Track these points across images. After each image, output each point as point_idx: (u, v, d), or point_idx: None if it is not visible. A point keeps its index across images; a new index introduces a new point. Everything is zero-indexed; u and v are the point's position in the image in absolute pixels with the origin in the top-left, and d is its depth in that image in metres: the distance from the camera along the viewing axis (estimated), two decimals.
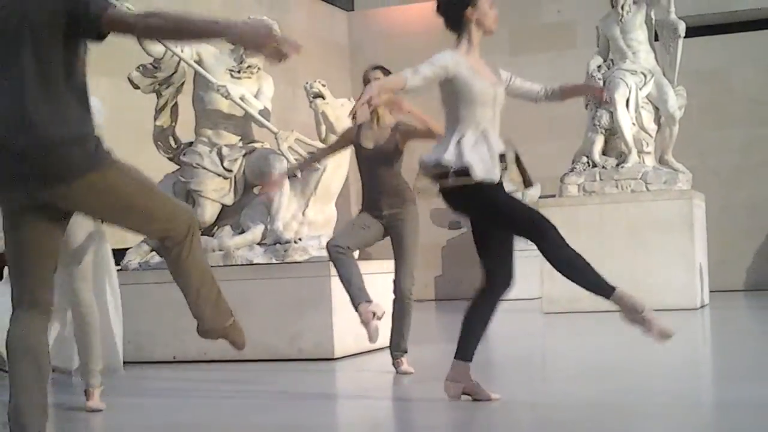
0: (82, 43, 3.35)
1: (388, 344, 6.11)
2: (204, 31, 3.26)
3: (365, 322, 5.65)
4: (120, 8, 3.39)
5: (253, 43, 3.20)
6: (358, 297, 5.74)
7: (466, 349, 4.71)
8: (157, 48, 7.61)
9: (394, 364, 6.04)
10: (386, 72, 5.88)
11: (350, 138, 6.03)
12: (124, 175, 3.33)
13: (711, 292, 11.95)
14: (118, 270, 7.72)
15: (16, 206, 3.32)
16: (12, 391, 3.28)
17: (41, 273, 3.36)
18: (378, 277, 7.63)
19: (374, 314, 5.68)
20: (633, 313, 4.36)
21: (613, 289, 4.39)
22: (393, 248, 6.08)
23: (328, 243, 5.92)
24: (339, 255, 5.81)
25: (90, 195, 3.29)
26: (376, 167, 5.90)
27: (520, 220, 4.43)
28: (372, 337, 5.68)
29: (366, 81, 5.80)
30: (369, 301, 5.71)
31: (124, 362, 7.28)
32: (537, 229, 4.36)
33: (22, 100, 3.22)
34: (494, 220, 4.49)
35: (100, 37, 3.29)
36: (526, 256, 7.25)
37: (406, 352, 6.10)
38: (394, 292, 6.06)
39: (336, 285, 6.93)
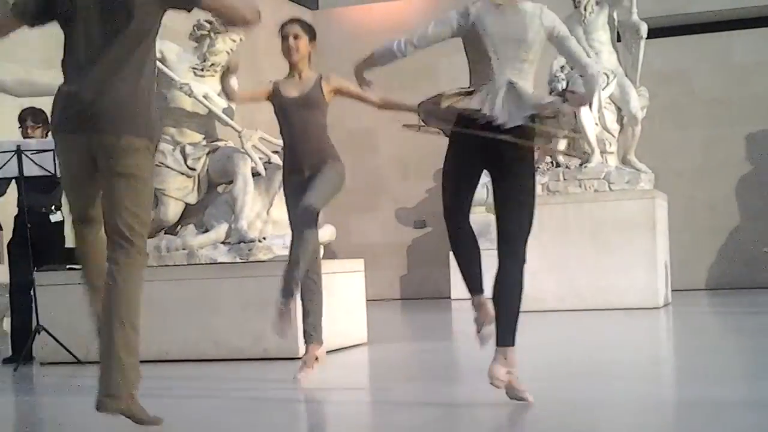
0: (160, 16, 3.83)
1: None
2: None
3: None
4: None
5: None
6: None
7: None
8: None
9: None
10: (305, 26, 5.71)
11: (267, 91, 5.71)
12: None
13: (673, 291, 12.05)
14: (80, 268, 7.68)
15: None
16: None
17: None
18: (339, 276, 7.63)
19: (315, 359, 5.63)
20: (480, 322, 4.53)
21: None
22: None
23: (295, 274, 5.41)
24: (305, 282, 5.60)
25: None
26: (300, 118, 5.56)
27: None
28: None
29: (284, 36, 5.65)
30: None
31: (86, 361, 7.24)
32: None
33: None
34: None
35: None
36: (491, 255, 7.25)
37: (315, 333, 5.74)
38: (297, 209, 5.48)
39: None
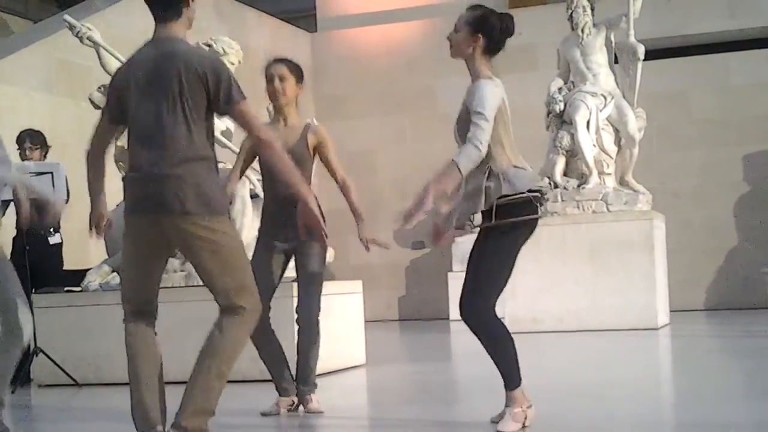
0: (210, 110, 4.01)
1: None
2: (288, 184, 4.14)
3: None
4: (248, 107, 4.01)
5: (308, 219, 4.19)
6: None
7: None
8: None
9: (301, 402, 5.36)
10: (291, 66, 5.26)
11: (248, 148, 5.26)
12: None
13: (671, 311, 12.05)
14: (78, 291, 7.69)
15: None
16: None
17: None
18: (337, 298, 7.63)
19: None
20: None
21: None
22: (298, 271, 5.31)
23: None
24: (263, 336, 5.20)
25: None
26: None
27: None
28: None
29: (269, 78, 5.20)
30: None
31: (85, 384, 7.23)
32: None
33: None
34: None
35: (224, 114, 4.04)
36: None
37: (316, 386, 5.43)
38: (299, 320, 5.32)
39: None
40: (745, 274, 14.88)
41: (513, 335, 4.53)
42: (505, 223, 4.37)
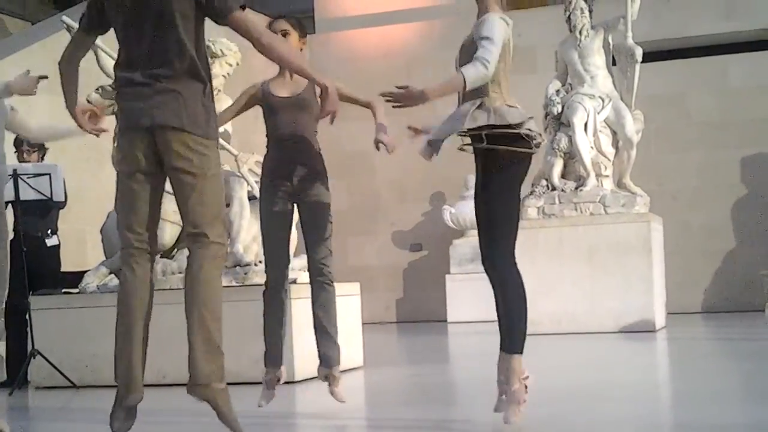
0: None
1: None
2: (303, 74, 4.26)
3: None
4: (245, 15, 4.00)
5: (328, 99, 4.25)
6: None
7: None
8: None
9: (327, 376, 5.38)
10: (293, 22, 5.30)
11: (251, 94, 5.28)
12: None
13: (669, 314, 12.05)
14: (76, 293, 7.68)
15: None
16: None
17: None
18: (339, 300, 7.61)
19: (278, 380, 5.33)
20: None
21: None
22: (303, 223, 5.22)
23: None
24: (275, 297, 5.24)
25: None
26: (291, 119, 5.08)
27: None
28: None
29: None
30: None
31: (82, 386, 7.22)
32: None
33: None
34: None
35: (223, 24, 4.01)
36: (485, 278, 7.25)
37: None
38: (311, 273, 5.24)
39: (296, 308, 6.91)
40: (743, 277, 14.88)
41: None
42: (501, 150, 4.40)
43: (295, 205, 5.20)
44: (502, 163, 4.44)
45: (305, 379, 7.03)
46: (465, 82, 4.34)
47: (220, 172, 4.21)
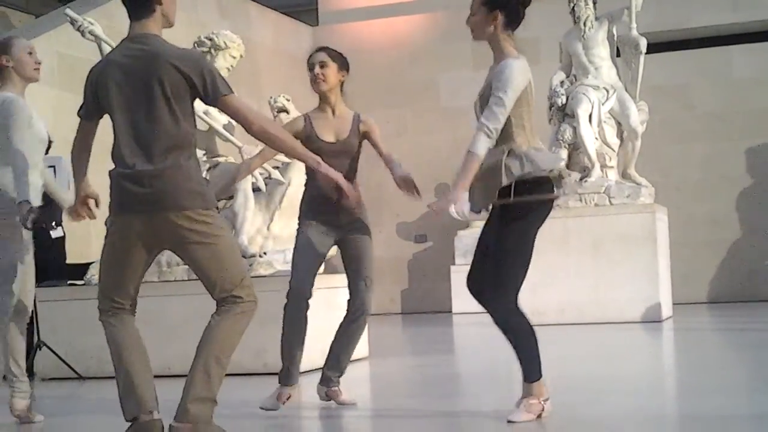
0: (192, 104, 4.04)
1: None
2: (292, 153, 4.26)
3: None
4: (236, 99, 4.02)
5: (325, 184, 4.31)
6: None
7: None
8: None
9: (327, 393, 5.32)
10: (333, 53, 5.14)
11: (301, 131, 5.10)
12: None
13: (674, 305, 12.05)
14: (81, 284, 7.70)
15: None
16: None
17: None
18: (341, 291, 7.62)
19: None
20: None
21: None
22: (347, 258, 5.21)
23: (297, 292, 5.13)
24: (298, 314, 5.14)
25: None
26: (338, 166, 4.81)
27: None
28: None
29: (310, 66, 5.10)
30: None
31: (87, 377, 7.24)
32: None
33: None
34: None
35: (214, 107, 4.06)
36: None
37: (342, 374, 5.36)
38: (352, 306, 5.23)
39: None
40: (747, 267, 14.88)
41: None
42: (524, 201, 4.31)
43: (336, 242, 5.17)
44: (522, 210, 4.36)
45: (308, 371, 7.04)
46: (478, 157, 4.27)
47: (231, 235, 4.20)
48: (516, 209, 4.35)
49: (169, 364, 7.06)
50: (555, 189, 4.45)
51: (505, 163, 4.30)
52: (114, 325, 4.16)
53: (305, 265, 5.06)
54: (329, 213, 5.05)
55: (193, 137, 4.03)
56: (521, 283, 4.46)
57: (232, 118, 4.09)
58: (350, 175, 5.07)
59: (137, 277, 4.13)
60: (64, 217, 8.01)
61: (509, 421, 4.33)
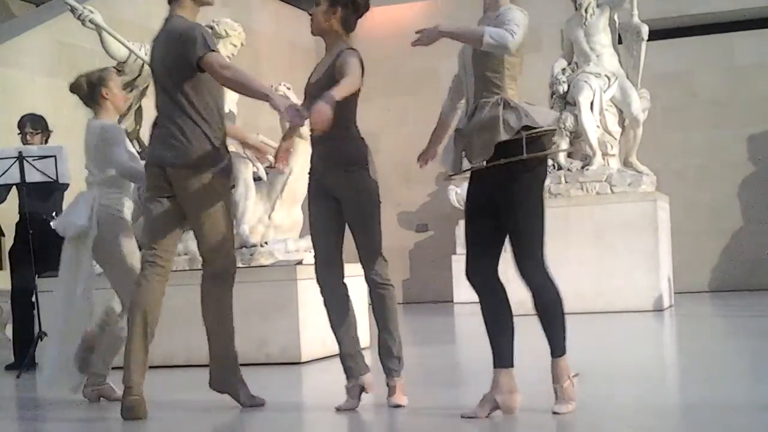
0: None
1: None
2: (256, 94, 4.63)
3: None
4: (213, 58, 4.65)
5: (287, 116, 4.47)
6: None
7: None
8: (120, 52, 7.57)
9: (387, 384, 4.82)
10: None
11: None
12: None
13: (676, 293, 12.04)
14: None
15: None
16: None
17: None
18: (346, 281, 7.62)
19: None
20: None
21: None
22: (350, 227, 4.92)
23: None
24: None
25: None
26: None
27: None
28: None
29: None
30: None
31: None
32: None
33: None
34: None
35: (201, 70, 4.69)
36: None
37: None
38: (367, 281, 4.95)
39: (303, 288, 6.90)
40: (750, 255, 14.86)
41: (516, 318, 4.52)
42: (537, 157, 4.22)
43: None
44: (529, 168, 4.25)
45: (311, 360, 7.04)
46: (483, 38, 4.14)
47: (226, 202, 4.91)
48: (523, 168, 4.24)
49: (171, 354, 7.05)
50: (547, 146, 4.33)
51: (503, 117, 4.21)
52: (138, 284, 4.97)
53: (320, 246, 4.87)
54: (317, 173, 4.77)
55: (201, 116, 4.83)
56: (544, 245, 4.36)
57: (212, 74, 4.70)
58: (340, 120, 4.47)
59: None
60: (64, 208, 8.00)
61: (555, 413, 4.26)
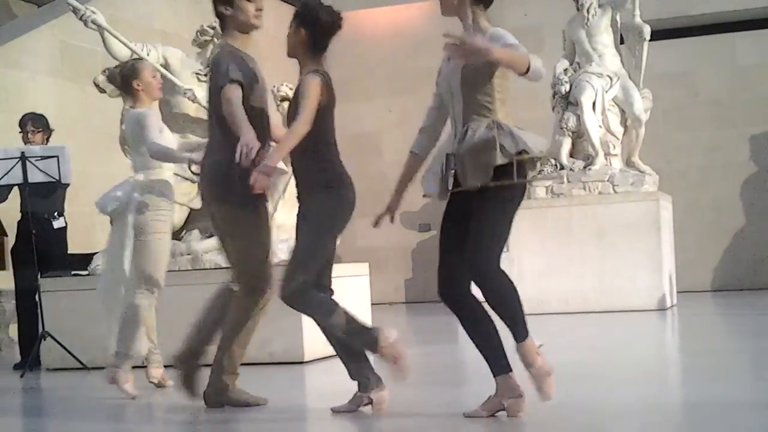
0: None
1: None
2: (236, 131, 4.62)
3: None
4: (225, 92, 4.73)
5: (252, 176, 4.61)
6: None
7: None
8: (122, 52, 7.57)
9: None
10: (295, 12, 5.01)
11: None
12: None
13: (678, 292, 12.04)
14: (85, 275, 7.69)
15: None
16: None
17: None
18: (344, 280, 7.63)
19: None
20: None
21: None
22: None
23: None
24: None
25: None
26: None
27: None
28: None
29: None
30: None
31: (93, 367, 7.25)
32: None
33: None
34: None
35: None
36: None
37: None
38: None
39: None
40: (752, 255, 14.86)
41: None
42: (522, 183, 4.24)
43: None
44: (512, 190, 4.26)
45: (313, 360, 7.04)
46: (529, 67, 4.05)
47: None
48: (507, 189, 4.24)
49: (173, 353, 7.05)
50: (529, 172, 4.33)
51: (499, 140, 4.19)
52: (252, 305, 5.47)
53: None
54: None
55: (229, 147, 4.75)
56: (501, 254, 4.36)
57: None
58: (305, 141, 4.60)
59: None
60: (68, 208, 8.02)
61: (546, 399, 4.28)
